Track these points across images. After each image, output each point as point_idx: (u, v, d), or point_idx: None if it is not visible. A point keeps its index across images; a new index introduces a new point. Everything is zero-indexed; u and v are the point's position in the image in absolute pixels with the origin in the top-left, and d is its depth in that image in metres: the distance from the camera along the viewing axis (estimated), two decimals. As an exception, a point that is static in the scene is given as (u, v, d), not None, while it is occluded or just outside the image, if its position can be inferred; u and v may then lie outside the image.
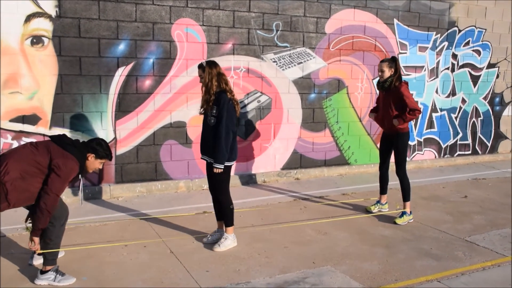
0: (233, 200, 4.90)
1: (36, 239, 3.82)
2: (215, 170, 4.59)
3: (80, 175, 4.02)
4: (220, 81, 4.60)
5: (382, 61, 5.71)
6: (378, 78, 5.85)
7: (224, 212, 4.86)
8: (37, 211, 3.75)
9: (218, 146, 4.54)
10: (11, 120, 5.99)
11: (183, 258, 4.55)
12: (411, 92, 5.70)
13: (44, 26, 6.05)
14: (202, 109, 4.78)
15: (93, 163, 4.03)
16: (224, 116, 4.52)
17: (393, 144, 5.83)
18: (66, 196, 6.25)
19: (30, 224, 3.98)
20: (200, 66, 4.67)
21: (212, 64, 4.64)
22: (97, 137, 4.20)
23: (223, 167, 4.60)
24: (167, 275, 4.20)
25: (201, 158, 4.87)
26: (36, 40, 6.03)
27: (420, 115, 5.33)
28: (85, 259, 4.48)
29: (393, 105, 5.65)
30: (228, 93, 4.59)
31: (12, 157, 3.75)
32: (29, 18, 5.96)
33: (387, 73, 5.63)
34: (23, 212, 4.20)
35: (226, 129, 4.54)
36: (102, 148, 4.03)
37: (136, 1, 6.49)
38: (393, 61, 5.64)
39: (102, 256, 4.57)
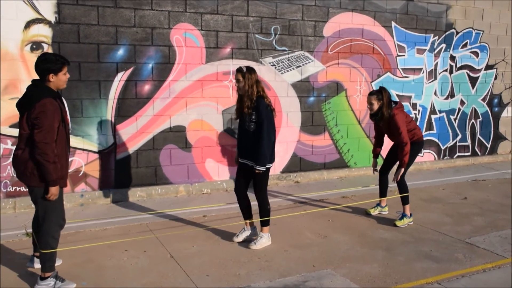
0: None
1: (52, 189, 3.81)
2: (256, 172, 4.80)
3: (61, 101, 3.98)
4: (259, 88, 4.79)
5: (370, 94, 5.70)
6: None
7: (261, 212, 5.02)
8: (40, 167, 3.75)
9: (261, 149, 4.73)
10: (11, 126, 6.01)
11: (183, 263, 4.56)
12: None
13: (43, 32, 6.07)
14: (236, 114, 4.99)
15: (58, 79, 3.88)
16: (265, 121, 4.71)
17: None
18: (66, 201, 6.26)
19: (30, 230, 4.00)
20: (240, 71, 4.77)
21: (252, 71, 4.79)
22: (39, 56, 3.88)
23: (264, 169, 4.81)
24: (167, 280, 4.20)
25: (240, 162, 5.02)
26: (36, 46, 6.05)
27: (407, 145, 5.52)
28: (85, 263, 4.49)
29: (390, 133, 5.74)
30: (265, 99, 4.79)
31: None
32: (28, 24, 5.98)
33: (376, 105, 5.63)
34: (23, 217, 4.21)
35: (268, 133, 4.74)
36: (52, 63, 3.84)
37: (135, 6, 6.52)
38: (381, 93, 5.61)
39: (102, 260, 4.57)
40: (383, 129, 5.87)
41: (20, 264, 4.42)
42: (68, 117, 4.13)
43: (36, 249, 4.26)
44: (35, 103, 3.73)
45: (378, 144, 6.14)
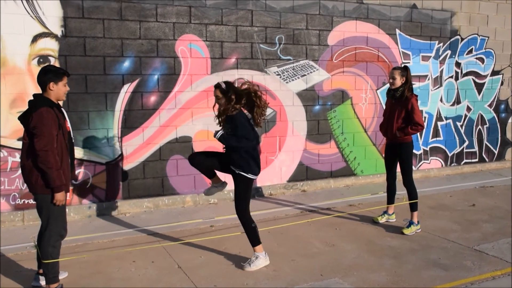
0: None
1: (58, 195, 3.89)
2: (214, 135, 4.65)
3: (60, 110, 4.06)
4: (239, 102, 4.63)
5: (394, 68, 5.73)
6: (385, 87, 5.85)
7: (246, 231, 4.77)
8: (43, 174, 3.83)
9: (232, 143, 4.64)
10: (19, 139, 6.06)
11: (191, 273, 4.56)
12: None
13: (50, 46, 6.15)
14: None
15: (58, 89, 3.98)
16: (238, 134, 4.59)
17: (397, 154, 5.84)
18: (74, 213, 6.29)
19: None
20: (218, 87, 4.62)
21: (230, 86, 4.65)
22: (41, 68, 4.02)
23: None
24: (175, 291, 4.21)
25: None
26: (43, 59, 6.12)
27: (424, 130, 5.33)
28: (94, 275, 4.50)
29: (399, 115, 5.65)
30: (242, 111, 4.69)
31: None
32: (35, 38, 6.06)
33: (399, 81, 5.63)
34: (32, 230, 4.24)
35: (239, 142, 4.61)
36: (52, 73, 3.96)
37: (140, 18, 6.59)
38: (405, 70, 5.64)
39: (110, 272, 4.58)
40: (392, 109, 5.76)
41: (27, 277, 4.43)
42: (69, 125, 4.20)
43: (40, 266, 4.25)
44: (32, 113, 3.85)
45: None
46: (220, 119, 4.73)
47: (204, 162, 4.88)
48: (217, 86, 4.64)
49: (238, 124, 4.54)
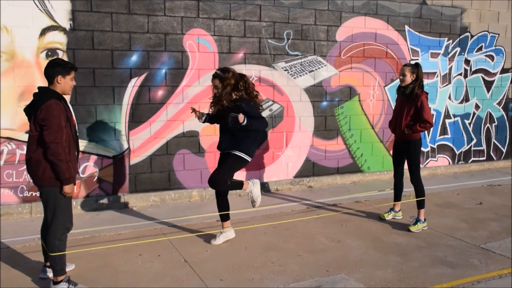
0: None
1: (66, 187, 3.89)
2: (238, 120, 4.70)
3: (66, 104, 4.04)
4: (239, 87, 4.91)
5: (404, 65, 5.68)
6: (394, 84, 5.81)
7: (220, 205, 5.18)
8: (53, 167, 3.83)
9: (245, 141, 5.03)
10: (27, 132, 6.08)
11: (197, 267, 4.57)
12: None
13: (58, 39, 6.16)
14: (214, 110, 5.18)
15: (65, 82, 3.97)
16: (253, 120, 4.89)
17: (405, 151, 5.81)
18: (81, 206, 6.33)
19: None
20: (216, 76, 4.85)
21: (227, 71, 4.88)
22: (48, 61, 3.99)
23: (239, 156, 4.93)
24: (181, 284, 4.22)
25: (222, 154, 5.15)
26: (51, 53, 6.14)
27: (432, 128, 5.27)
28: (100, 268, 4.52)
29: (408, 112, 5.62)
30: (244, 98, 4.94)
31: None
32: (44, 31, 6.08)
33: (409, 78, 5.58)
34: (39, 222, 4.26)
35: (258, 129, 5.07)
36: (61, 66, 3.96)
37: (148, 12, 6.59)
38: (416, 67, 5.58)
39: (117, 265, 4.61)
40: (401, 106, 5.73)
41: (35, 269, 4.46)
42: (74, 118, 4.20)
43: (47, 259, 4.27)
44: (40, 105, 3.83)
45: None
46: (215, 105, 4.95)
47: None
48: (215, 75, 4.84)
49: (248, 109, 4.74)
